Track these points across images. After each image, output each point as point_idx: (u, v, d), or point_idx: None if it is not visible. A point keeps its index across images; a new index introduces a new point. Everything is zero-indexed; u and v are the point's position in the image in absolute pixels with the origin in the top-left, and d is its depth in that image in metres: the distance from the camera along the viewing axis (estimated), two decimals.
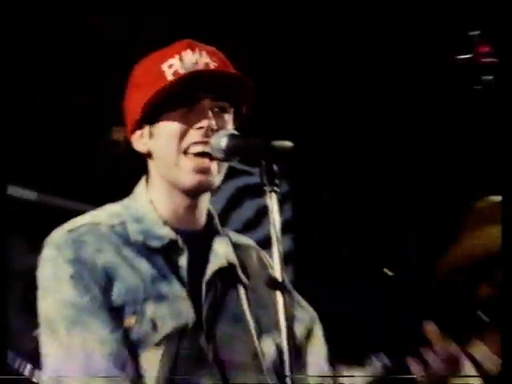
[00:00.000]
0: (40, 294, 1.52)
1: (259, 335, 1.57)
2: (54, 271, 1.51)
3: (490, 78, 2.33)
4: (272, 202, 1.35)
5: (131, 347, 1.46)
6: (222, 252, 1.59)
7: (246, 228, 2.85)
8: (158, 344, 1.47)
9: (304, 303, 1.68)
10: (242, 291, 1.60)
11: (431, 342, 1.59)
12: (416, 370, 1.57)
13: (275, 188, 1.36)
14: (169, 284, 1.51)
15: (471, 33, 2.31)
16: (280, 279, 1.32)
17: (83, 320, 1.45)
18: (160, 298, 1.49)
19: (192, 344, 1.49)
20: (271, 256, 1.37)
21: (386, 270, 3.67)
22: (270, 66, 3.57)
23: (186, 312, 1.50)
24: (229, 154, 1.47)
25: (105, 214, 1.59)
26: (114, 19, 3.09)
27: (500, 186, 1.95)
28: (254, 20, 3.44)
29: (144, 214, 1.57)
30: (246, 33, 3.41)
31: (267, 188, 1.36)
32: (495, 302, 2.20)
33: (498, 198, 2.65)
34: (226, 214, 2.07)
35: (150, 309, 1.47)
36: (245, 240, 1.73)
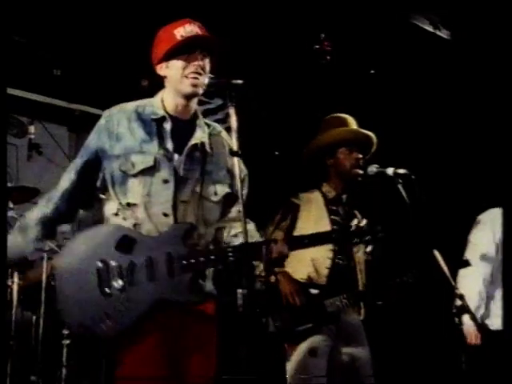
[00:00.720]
0: None
1: (213, 183, 2.74)
2: (92, 131, 2.77)
3: (328, 58, 5.11)
4: (231, 112, 2.48)
5: (122, 176, 2.63)
6: (198, 135, 2.75)
7: None
8: (134, 175, 2.63)
9: (242, 165, 2.72)
10: (206, 158, 2.75)
11: None
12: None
13: (234, 104, 2.48)
14: (150, 144, 2.68)
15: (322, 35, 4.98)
16: (236, 150, 2.46)
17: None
18: (140, 151, 2.66)
19: (161, 177, 2.64)
20: (232, 138, 2.49)
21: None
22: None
23: (152, 160, 2.64)
24: (209, 86, 2.65)
25: (136, 102, 2.80)
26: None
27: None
28: None
29: (155, 104, 2.77)
30: None
31: (229, 104, 2.48)
32: None
33: (344, 115, 4.10)
34: None
35: (133, 157, 2.65)
36: (217, 128, 2.86)
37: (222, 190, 2.77)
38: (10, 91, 4.91)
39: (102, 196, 2.79)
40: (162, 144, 2.70)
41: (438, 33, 5.07)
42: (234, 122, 2.46)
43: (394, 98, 5.74)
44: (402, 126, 5.77)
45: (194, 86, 2.69)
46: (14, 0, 4.00)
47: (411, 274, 3.81)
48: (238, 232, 2.80)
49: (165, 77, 2.77)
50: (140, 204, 2.63)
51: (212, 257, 2.59)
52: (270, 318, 3.76)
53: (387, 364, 4.41)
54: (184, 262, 2.56)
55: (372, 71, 5.51)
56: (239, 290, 3.86)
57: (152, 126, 2.72)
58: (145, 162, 2.66)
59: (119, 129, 2.71)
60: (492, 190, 4.47)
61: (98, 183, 2.76)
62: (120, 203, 2.66)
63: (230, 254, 2.58)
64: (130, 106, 2.79)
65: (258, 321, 3.72)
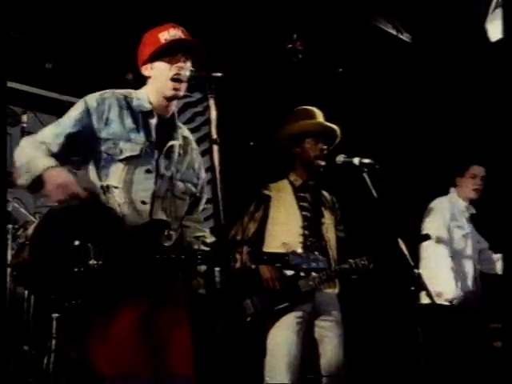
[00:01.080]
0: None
1: (183, 182, 2.93)
2: (77, 105, 2.82)
3: (300, 57, 5.30)
4: (211, 103, 2.54)
5: (106, 159, 2.76)
6: (177, 136, 2.96)
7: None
8: (120, 161, 2.75)
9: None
10: (179, 158, 2.95)
11: None
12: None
13: (213, 95, 2.55)
14: (137, 134, 2.82)
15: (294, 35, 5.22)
16: (215, 138, 2.52)
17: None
18: (128, 139, 2.80)
19: (144, 165, 2.79)
20: (211, 128, 2.54)
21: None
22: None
23: (139, 149, 2.80)
24: (191, 79, 2.73)
25: (123, 91, 2.90)
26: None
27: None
28: None
29: (142, 98, 2.89)
30: None
31: (209, 96, 2.54)
32: None
33: (312, 107, 4.24)
34: (178, 116, 3.05)
35: (121, 143, 2.78)
36: (187, 131, 3.09)
37: (190, 189, 2.95)
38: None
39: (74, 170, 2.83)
40: (148, 137, 2.83)
41: (400, 36, 5.33)
42: (213, 112, 2.55)
43: (359, 94, 5.94)
44: (366, 119, 5.97)
45: (176, 89, 2.83)
46: None
47: (364, 258, 3.95)
48: (199, 235, 3.01)
49: (149, 77, 2.91)
50: (120, 188, 2.74)
51: (182, 256, 2.74)
52: (249, 301, 3.91)
53: (356, 335, 4.63)
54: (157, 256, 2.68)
55: (340, 69, 5.74)
56: (216, 268, 4.25)
57: (139, 118, 2.84)
58: (132, 149, 2.77)
59: (110, 114, 2.79)
60: (440, 181, 4.90)
61: (75, 158, 2.83)
62: (101, 185, 2.75)
63: (199, 258, 2.74)
64: (120, 93, 2.87)
65: (234, 298, 3.89)
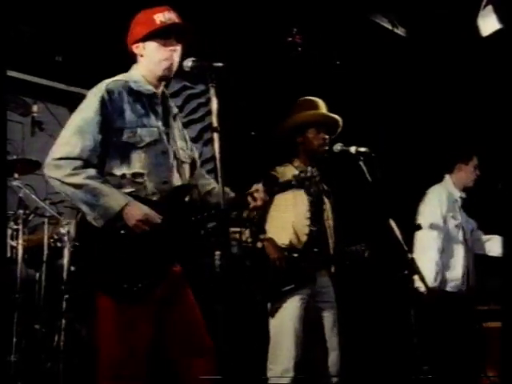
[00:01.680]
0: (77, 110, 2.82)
1: (182, 149, 3.02)
2: (89, 99, 2.81)
3: (299, 50, 5.42)
4: (212, 92, 2.65)
5: (128, 148, 2.80)
6: (174, 107, 3.07)
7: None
8: (141, 148, 2.81)
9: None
10: (177, 127, 3.05)
11: None
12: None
13: (214, 84, 2.65)
14: (149, 118, 2.88)
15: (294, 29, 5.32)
16: (216, 126, 2.63)
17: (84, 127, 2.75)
18: (144, 125, 2.85)
19: (161, 149, 2.87)
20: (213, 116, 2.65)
21: None
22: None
23: (156, 133, 2.88)
24: (192, 68, 2.72)
25: (120, 77, 2.90)
26: None
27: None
28: None
29: (138, 81, 2.91)
30: None
31: (211, 84, 2.64)
32: None
33: (315, 98, 4.26)
34: (183, 107, 3.04)
35: (139, 130, 2.83)
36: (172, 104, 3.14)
37: (189, 153, 3.10)
38: (17, 75, 5.18)
39: None
40: (157, 119, 2.91)
41: (395, 30, 5.40)
42: (214, 101, 2.63)
43: (357, 86, 6.03)
44: (364, 109, 6.03)
45: (167, 69, 2.90)
46: None
47: (363, 244, 4.08)
48: (209, 189, 3.13)
49: (140, 55, 2.94)
50: (145, 174, 2.80)
51: (213, 211, 2.88)
52: (257, 283, 4.00)
53: (351, 318, 4.74)
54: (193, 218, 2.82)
55: (337, 62, 5.81)
56: (216, 252, 4.22)
57: (145, 102, 2.89)
58: (151, 135, 2.84)
59: (121, 103, 2.82)
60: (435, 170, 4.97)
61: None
62: (123, 174, 2.77)
63: (227, 206, 2.75)
64: (120, 80, 2.89)
65: (234, 280, 3.89)
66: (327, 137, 4.17)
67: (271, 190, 3.11)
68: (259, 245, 4.00)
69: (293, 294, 3.95)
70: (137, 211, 2.70)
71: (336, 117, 4.25)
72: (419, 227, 4.43)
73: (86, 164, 2.72)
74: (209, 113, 5.37)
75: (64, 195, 2.77)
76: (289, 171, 4.17)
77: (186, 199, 2.94)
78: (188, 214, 2.85)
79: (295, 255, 4.00)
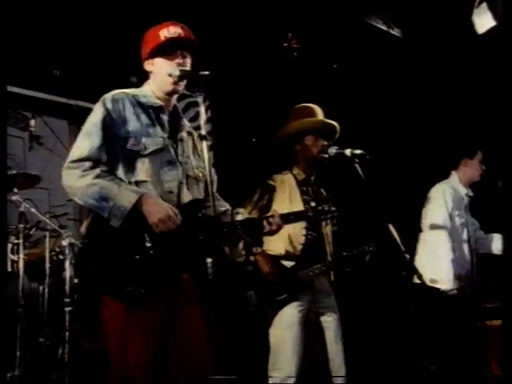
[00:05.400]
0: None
1: (196, 167, 3.04)
2: (96, 107, 2.86)
3: (295, 54, 5.47)
4: (199, 100, 2.73)
5: (132, 156, 2.81)
6: (186, 125, 3.10)
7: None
8: (145, 156, 2.82)
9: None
10: (188, 144, 3.07)
11: None
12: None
13: (201, 93, 2.71)
14: (155, 128, 2.92)
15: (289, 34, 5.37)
16: (204, 135, 2.70)
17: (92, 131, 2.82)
18: (149, 135, 2.88)
19: (166, 157, 2.89)
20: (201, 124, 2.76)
21: None
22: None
23: (161, 143, 2.90)
24: (180, 77, 2.85)
25: (130, 90, 2.97)
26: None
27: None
28: None
29: (148, 95, 2.98)
30: None
31: (198, 93, 2.70)
32: None
33: (311, 105, 4.25)
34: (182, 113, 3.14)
35: (143, 139, 2.85)
36: (188, 123, 3.15)
37: (202, 172, 3.04)
38: (16, 90, 5.18)
39: None
40: (163, 130, 2.94)
41: (390, 31, 5.41)
42: (202, 109, 2.70)
43: (355, 87, 6.02)
44: (363, 110, 6.04)
45: (174, 84, 2.92)
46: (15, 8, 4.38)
47: (373, 244, 4.08)
48: (224, 210, 3.11)
49: (151, 72, 3.02)
50: (149, 182, 2.82)
51: (224, 229, 2.92)
52: (252, 292, 4.00)
53: (352, 321, 4.69)
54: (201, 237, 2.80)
55: (334, 66, 5.84)
56: (208, 259, 4.33)
57: (151, 113, 2.94)
58: (155, 144, 2.87)
59: (125, 112, 2.86)
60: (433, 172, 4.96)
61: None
62: (129, 181, 2.80)
63: (239, 227, 2.91)
64: (127, 93, 2.95)
65: (227, 287, 4.06)
66: (326, 143, 4.15)
67: (288, 218, 3.13)
68: (252, 258, 4.03)
69: (290, 301, 3.97)
70: (159, 209, 2.73)
71: (333, 123, 4.24)
72: (419, 230, 4.43)
73: (96, 164, 2.78)
74: (207, 121, 5.43)
75: (79, 202, 2.80)
76: (288, 179, 4.22)
77: (199, 214, 2.90)
78: (200, 227, 2.83)
79: (291, 264, 4.02)
